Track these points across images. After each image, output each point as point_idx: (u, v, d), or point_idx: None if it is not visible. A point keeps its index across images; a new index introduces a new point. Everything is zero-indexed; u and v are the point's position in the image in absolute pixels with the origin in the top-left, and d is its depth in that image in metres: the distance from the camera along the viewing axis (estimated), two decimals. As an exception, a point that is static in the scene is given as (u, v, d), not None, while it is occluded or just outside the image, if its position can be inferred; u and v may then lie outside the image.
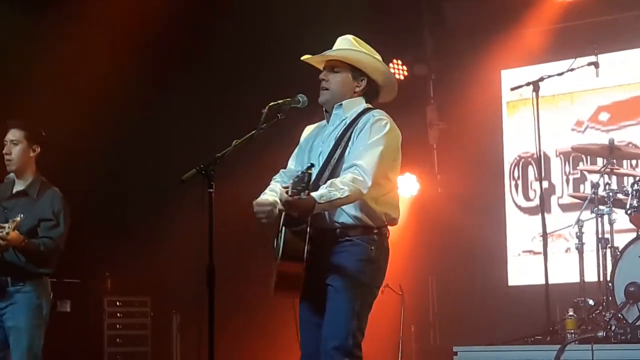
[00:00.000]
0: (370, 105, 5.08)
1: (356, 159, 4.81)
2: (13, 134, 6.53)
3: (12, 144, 6.51)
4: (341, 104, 5.05)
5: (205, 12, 10.01)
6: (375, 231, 4.94)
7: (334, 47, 5.11)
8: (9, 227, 6.19)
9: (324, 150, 5.00)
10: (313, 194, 4.59)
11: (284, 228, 4.74)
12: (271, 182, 5.16)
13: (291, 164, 5.22)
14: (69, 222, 6.55)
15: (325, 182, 4.77)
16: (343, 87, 5.05)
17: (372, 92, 5.13)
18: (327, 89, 5.03)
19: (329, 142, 4.98)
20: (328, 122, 5.10)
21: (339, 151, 4.90)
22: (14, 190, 6.57)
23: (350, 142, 4.91)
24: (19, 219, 6.21)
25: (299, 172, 4.64)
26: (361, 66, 5.05)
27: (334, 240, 4.89)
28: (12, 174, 6.60)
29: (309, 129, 5.22)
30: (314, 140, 5.12)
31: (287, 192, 4.60)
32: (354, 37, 5.12)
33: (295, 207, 4.58)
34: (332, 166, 4.89)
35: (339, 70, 5.04)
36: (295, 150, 5.24)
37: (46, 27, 9.26)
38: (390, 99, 5.23)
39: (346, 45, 5.07)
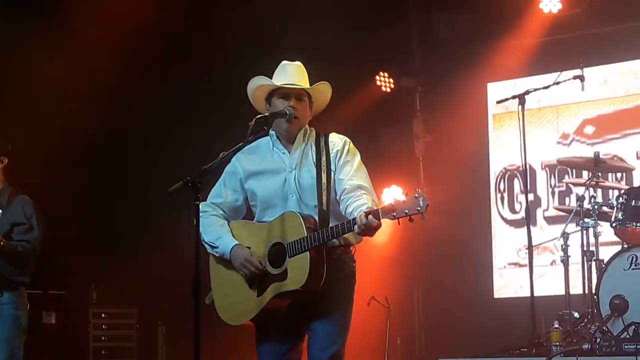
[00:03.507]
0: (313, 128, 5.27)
1: (357, 180, 5.01)
2: None
3: None
4: (305, 131, 5.19)
5: (192, 23, 10.03)
6: (351, 248, 5.13)
7: (294, 75, 5.17)
8: None
9: (300, 176, 5.07)
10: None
11: (307, 253, 4.84)
12: (206, 216, 5.16)
13: (222, 193, 5.23)
14: (42, 227, 6.54)
15: (325, 206, 4.96)
16: (306, 116, 5.21)
17: None
18: (297, 118, 5.13)
19: (308, 169, 5.08)
20: (280, 147, 5.17)
21: (324, 176, 5.03)
22: None
23: (333, 167, 5.07)
24: None
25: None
26: (319, 98, 5.23)
27: None
28: None
29: (245, 158, 5.20)
30: (258, 168, 5.17)
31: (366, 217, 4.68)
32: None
33: (376, 229, 4.74)
34: (326, 191, 5.01)
35: (304, 99, 5.17)
36: (226, 179, 5.25)
37: (32, 33, 9.22)
38: None
39: (305, 76, 5.21)
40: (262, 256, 5.00)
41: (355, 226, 4.70)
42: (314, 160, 5.10)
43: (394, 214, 4.63)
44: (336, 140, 5.16)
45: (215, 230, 5.14)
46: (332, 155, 5.09)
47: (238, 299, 5.08)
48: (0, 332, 6.38)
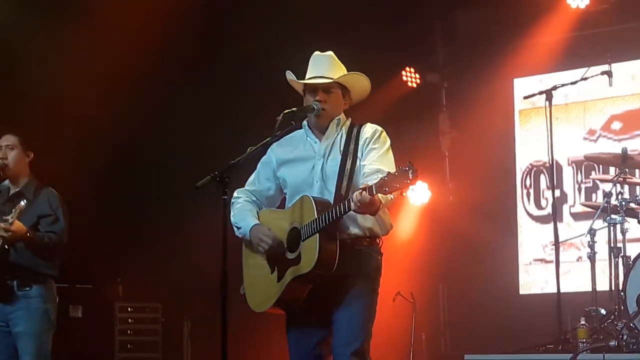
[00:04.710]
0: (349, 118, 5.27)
1: (378, 165, 4.99)
2: (8, 139, 6.55)
3: (7, 149, 6.53)
4: (338, 121, 5.20)
5: (218, 16, 10.03)
6: (378, 240, 5.13)
7: (323, 66, 5.18)
8: (12, 217, 6.19)
9: (327, 164, 5.11)
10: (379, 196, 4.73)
11: (317, 235, 4.86)
12: (238, 201, 5.24)
13: (256, 181, 5.31)
14: (68, 219, 6.55)
15: (344, 191, 4.97)
16: (337, 107, 5.22)
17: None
18: (324, 110, 5.14)
19: (334, 157, 5.11)
20: (312, 137, 5.20)
21: (349, 163, 5.05)
22: (10, 194, 6.58)
23: (359, 154, 5.08)
24: (22, 203, 6.22)
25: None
26: (355, 87, 5.22)
27: (345, 251, 4.95)
28: (6, 181, 6.61)
29: (279, 148, 5.26)
30: (290, 156, 5.21)
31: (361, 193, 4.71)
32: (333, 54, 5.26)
33: (372, 205, 4.74)
34: (348, 177, 5.03)
35: (333, 90, 5.17)
36: (260, 169, 5.32)
37: (56, 29, 9.25)
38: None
39: (337, 66, 5.21)
40: (282, 241, 5.05)
41: (352, 203, 4.74)
42: (341, 148, 5.12)
43: (386, 188, 4.65)
44: (367, 129, 5.17)
45: (242, 212, 5.21)
46: (360, 143, 5.11)
47: (262, 286, 5.13)
48: (29, 326, 6.39)
